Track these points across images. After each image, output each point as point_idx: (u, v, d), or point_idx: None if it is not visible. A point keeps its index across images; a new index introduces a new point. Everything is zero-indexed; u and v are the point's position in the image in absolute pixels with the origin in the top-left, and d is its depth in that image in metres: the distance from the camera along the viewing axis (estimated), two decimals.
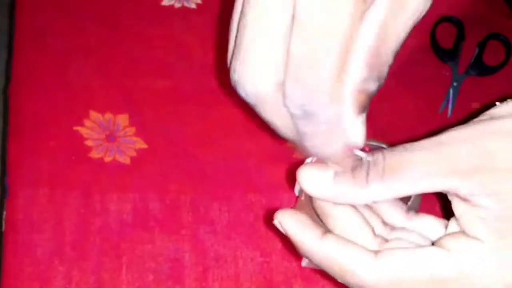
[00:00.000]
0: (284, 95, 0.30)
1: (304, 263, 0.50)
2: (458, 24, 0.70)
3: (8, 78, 0.62)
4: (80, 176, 0.57)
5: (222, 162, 0.59)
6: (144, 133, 0.60)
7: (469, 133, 0.33)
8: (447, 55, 0.68)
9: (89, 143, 0.59)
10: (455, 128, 0.33)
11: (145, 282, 0.53)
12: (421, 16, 0.32)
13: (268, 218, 0.36)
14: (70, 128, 0.59)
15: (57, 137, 0.58)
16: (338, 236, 0.35)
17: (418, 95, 0.66)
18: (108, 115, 0.61)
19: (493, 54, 0.69)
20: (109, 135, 0.60)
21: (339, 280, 0.35)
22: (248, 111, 0.33)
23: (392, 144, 0.49)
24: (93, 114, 0.60)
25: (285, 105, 0.31)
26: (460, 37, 0.69)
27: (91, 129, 0.60)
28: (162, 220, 0.56)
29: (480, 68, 0.68)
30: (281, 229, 0.36)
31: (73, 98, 0.61)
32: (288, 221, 0.36)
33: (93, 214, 0.55)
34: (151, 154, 0.59)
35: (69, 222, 0.54)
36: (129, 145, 0.59)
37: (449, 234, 0.34)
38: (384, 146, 0.49)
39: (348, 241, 0.35)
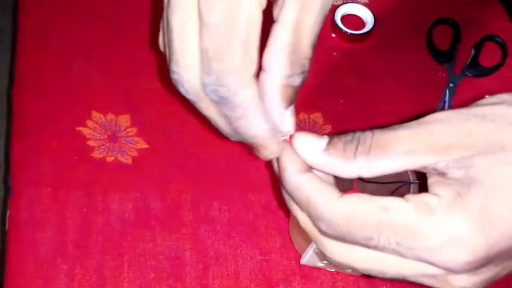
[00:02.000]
0: (203, 85, 0.34)
1: (302, 261, 0.51)
2: (454, 26, 0.70)
3: (11, 79, 0.61)
4: (83, 175, 0.57)
5: (222, 162, 0.60)
6: (145, 133, 0.60)
7: (451, 115, 0.35)
8: (443, 56, 0.69)
9: (91, 143, 0.59)
10: (440, 111, 0.35)
11: (146, 279, 0.53)
12: (329, 7, 0.35)
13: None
14: (73, 129, 0.59)
15: (60, 138, 0.59)
16: (316, 176, 0.36)
17: (415, 96, 0.66)
18: (110, 116, 0.61)
19: (489, 56, 0.69)
20: (111, 136, 0.60)
21: (303, 210, 0.36)
22: (192, 110, 0.37)
23: None
24: (95, 114, 0.61)
25: (206, 94, 0.35)
26: (457, 39, 0.70)
27: (93, 129, 0.60)
28: (163, 219, 0.56)
29: (476, 69, 0.68)
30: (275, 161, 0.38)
31: (76, 99, 0.61)
32: (286, 151, 0.37)
33: (95, 213, 0.55)
34: (152, 154, 0.59)
35: (71, 221, 0.55)
36: (130, 145, 0.60)
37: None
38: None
39: (322, 180, 0.36)
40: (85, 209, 0.56)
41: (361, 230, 0.34)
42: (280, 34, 0.35)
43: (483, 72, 0.69)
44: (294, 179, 0.36)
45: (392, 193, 0.46)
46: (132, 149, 0.59)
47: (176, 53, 0.35)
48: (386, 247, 0.34)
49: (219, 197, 0.58)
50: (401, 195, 0.40)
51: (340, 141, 0.36)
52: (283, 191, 0.37)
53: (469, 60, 0.69)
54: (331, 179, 0.38)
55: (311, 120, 0.63)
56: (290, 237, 0.57)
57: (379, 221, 0.34)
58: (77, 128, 0.60)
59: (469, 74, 0.68)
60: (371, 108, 0.65)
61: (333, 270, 0.54)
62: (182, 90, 0.35)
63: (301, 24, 0.35)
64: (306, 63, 0.36)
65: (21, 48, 0.63)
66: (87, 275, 0.53)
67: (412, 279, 0.35)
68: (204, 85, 0.34)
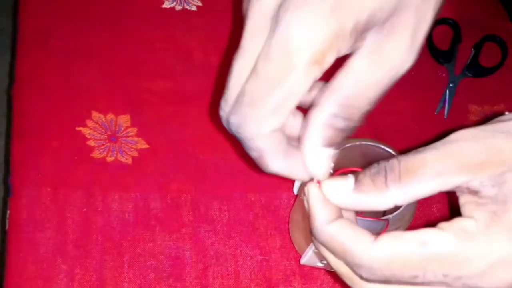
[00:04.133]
0: (228, 123, 0.37)
1: (302, 260, 0.51)
2: (454, 26, 0.70)
3: (11, 80, 0.61)
4: (83, 175, 0.57)
5: (222, 162, 0.60)
6: (145, 133, 0.60)
7: (476, 132, 0.35)
8: (443, 56, 0.69)
9: (91, 143, 0.59)
10: (463, 129, 0.35)
11: (146, 279, 0.53)
12: (399, 74, 0.36)
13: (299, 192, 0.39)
14: (73, 129, 0.59)
15: (60, 138, 0.59)
16: (347, 221, 0.36)
17: (415, 96, 0.66)
18: (110, 116, 0.61)
19: (489, 56, 0.69)
20: (111, 136, 0.60)
21: (339, 258, 0.36)
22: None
23: (392, 145, 0.50)
24: (95, 114, 0.61)
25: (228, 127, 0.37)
26: (457, 38, 0.70)
27: (93, 129, 0.60)
28: (163, 219, 0.56)
29: (476, 69, 0.68)
30: (305, 201, 0.38)
31: (76, 99, 0.61)
32: (314, 197, 0.37)
33: (95, 213, 0.55)
34: (152, 154, 0.59)
35: (71, 221, 0.55)
36: (130, 145, 0.60)
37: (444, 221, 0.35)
38: (382, 146, 0.50)
39: (353, 224, 0.36)
40: (85, 209, 0.55)
41: (405, 271, 0.34)
42: (342, 82, 0.36)
43: (483, 72, 0.68)
44: (326, 229, 0.36)
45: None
46: (132, 149, 0.59)
47: (226, 92, 0.37)
48: (433, 281, 0.34)
49: (219, 197, 0.58)
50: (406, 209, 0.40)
51: (366, 176, 0.36)
52: (314, 241, 0.38)
53: (469, 60, 0.69)
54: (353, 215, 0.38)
55: None
56: (290, 237, 0.57)
57: (422, 257, 0.33)
58: (77, 128, 0.60)
59: (469, 74, 0.68)
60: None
61: (333, 270, 0.54)
62: (224, 124, 0.38)
63: (367, 76, 0.35)
64: (355, 113, 0.36)
65: (21, 48, 0.63)
66: (87, 275, 0.53)
67: None
68: (228, 123, 0.37)
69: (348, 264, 0.36)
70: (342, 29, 0.34)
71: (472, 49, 0.69)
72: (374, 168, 0.36)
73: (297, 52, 0.34)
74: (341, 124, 0.36)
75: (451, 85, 0.67)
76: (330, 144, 0.36)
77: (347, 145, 0.49)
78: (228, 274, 0.54)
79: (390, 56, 0.35)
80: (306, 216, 0.40)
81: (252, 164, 0.39)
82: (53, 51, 0.63)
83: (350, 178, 0.36)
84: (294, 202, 0.57)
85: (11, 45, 0.61)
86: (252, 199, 0.58)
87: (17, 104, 0.60)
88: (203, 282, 0.54)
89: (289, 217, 0.57)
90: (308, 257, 0.49)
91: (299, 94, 0.35)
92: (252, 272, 0.55)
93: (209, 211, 0.57)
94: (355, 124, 0.36)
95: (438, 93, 0.67)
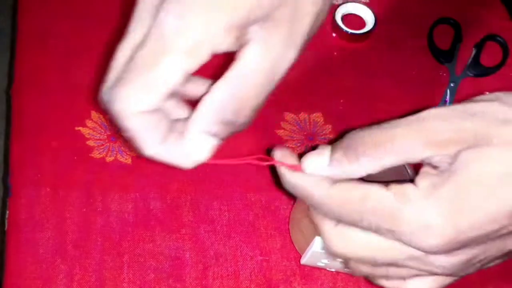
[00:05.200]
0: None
1: (303, 260, 0.51)
2: (455, 25, 0.70)
3: (10, 79, 0.61)
4: (82, 175, 0.57)
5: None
6: None
7: (446, 112, 0.38)
8: (444, 56, 0.69)
9: (90, 143, 0.59)
10: (435, 107, 0.39)
11: (146, 280, 0.53)
12: (284, 67, 0.38)
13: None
14: (72, 129, 0.59)
15: (59, 137, 0.59)
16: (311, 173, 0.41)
17: (416, 96, 0.66)
18: (109, 116, 0.60)
19: (490, 55, 0.69)
20: (111, 135, 0.60)
21: (307, 201, 0.41)
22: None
23: None
24: (95, 114, 0.61)
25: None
26: (458, 38, 0.70)
27: (93, 129, 0.60)
28: (163, 219, 0.56)
29: (477, 69, 0.68)
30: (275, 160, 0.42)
31: (75, 99, 0.61)
32: (278, 154, 0.42)
33: (94, 213, 0.55)
34: None
35: (71, 221, 0.55)
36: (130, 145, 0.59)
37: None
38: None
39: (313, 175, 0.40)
40: (84, 209, 0.55)
41: (349, 215, 0.38)
42: (232, 73, 0.38)
43: (484, 71, 0.68)
44: (294, 179, 0.41)
45: None
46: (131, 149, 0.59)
47: (107, 74, 0.39)
48: (369, 228, 0.38)
49: (219, 197, 0.58)
50: None
51: (338, 150, 0.39)
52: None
53: (470, 60, 0.69)
54: None
55: (311, 120, 0.63)
56: (290, 237, 0.56)
57: (359, 208, 0.38)
58: (77, 128, 0.59)
59: (470, 74, 0.68)
60: (371, 108, 0.65)
61: (333, 270, 0.54)
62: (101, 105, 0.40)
63: (250, 65, 0.38)
64: (244, 107, 0.38)
65: (20, 47, 0.63)
66: (86, 275, 0.53)
67: (400, 263, 0.39)
68: (103, 102, 0.39)
69: (312, 205, 0.40)
70: (215, 25, 0.36)
71: (473, 48, 0.69)
72: (346, 141, 0.39)
73: (171, 41, 0.36)
74: (229, 115, 0.38)
75: (452, 84, 0.67)
76: (214, 134, 0.39)
77: None
78: (228, 275, 0.54)
79: (273, 48, 0.38)
80: (307, 216, 0.41)
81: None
82: (52, 50, 0.63)
83: (326, 152, 0.40)
84: (294, 202, 0.57)
85: (10, 44, 0.61)
86: (252, 199, 0.58)
87: (16, 104, 0.60)
88: (203, 282, 0.54)
89: (289, 217, 0.57)
90: (309, 257, 0.49)
91: (171, 80, 0.37)
92: (252, 273, 0.54)
93: (209, 211, 0.57)
94: (244, 120, 0.39)
95: (439, 92, 0.67)
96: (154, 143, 0.39)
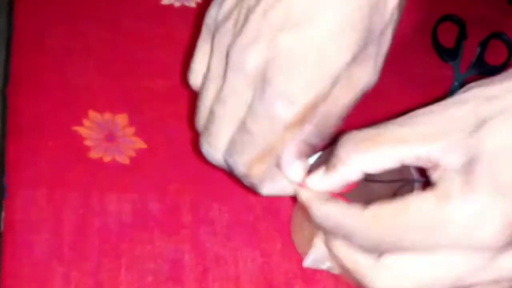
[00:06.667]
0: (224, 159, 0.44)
1: (305, 263, 0.50)
2: (459, 23, 0.70)
3: (6, 78, 0.62)
4: (79, 176, 0.57)
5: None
6: (143, 133, 0.60)
7: (432, 107, 0.39)
8: (448, 54, 0.68)
9: (88, 143, 0.59)
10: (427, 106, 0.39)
11: (145, 283, 0.53)
12: (366, 91, 0.42)
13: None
14: (69, 128, 0.59)
15: (56, 137, 0.58)
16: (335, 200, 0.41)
17: (419, 95, 0.65)
18: (107, 115, 0.60)
19: (495, 54, 0.69)
20: (108, 135, 0.59)
21: (338, 236, 0.40)
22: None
23: None
24: (92, 114, 0.60)
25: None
26: (462, 36, 0.69)
27: (90, 129, 0.59)
28: (161, 221, 0.56)
29: (481, 67, 0.68)
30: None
31: (72, 98, 0.61)
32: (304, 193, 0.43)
33: (92, 214, 0.55)
34: (150, 154, 0.59)
35: (68, 222, 0.54)
36: (128, 145, 0.59)
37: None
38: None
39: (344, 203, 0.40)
40: (81, 211, 0.55)
41: (390, 235, 0.37)
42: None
43: (489, 70, 0.68)
44: (321, 210, 0.41)
45: (396, 191, 0.46)
46: (129, 149, 0.59)
47: (212, 136, 0.44)
48: (414, 246, 0.36)
49: (219, 198, 0.57)
50: (405, 193, 0.41)
51: (334, 155, 0.40)
52: (319, 232, 0.45)
53: (474, 58, 0.69)
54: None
55: None
56: (292, 239, 0.56)
57: (401, 221, 0.36)
58: (74, 128, 0.59)
59: (475, 72, 0.68)
60: (374, 107, 0.64)
61: (336, 272, 0.54)
62: (210, 159, 0.46)
63: (338, 100, 0.41)
64: (327, 131, 0.42)
65: (16, 46, 0.63)
66: (83, 278, 0.52)
67: (463, 281, 0.36)
68: (224, 159, 0.44)
69: (345, 237, 0.39)
70: (323, 89, 0.40)
71: (478, 46, 0.69)
72: (338, 145, 0.40)
73: (278, 121, 0.40)
74: (315, 140, 0.42)
75: (456, 83, 0.67)
76: (303, 156, 0.42)
77: None
78: (228, 277, 0.54)
79: (359, 81, 0.41)
80: (308, 217, 0.42)
81: None
82: (49, 49, 0.63)
83: (319, 171, 0.41)
84: (295, 203, 0.57)
85: (6, 43, 0.61)
86: (253, 200, 0.57)
87: (12, 103, 0.60)
88: (203, 285, 0.53)
89: (290, 219, 0.57)
90: (312, 259, 0.49)
91: (280, 148, 0.41)
92: (253, 275, 0.54)
93: (208, 213, 0.56)
94: (325, 138, 0.42)
95: (443, 91, 0.66)
96: (268, 184, 0.44)
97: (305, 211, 0.42)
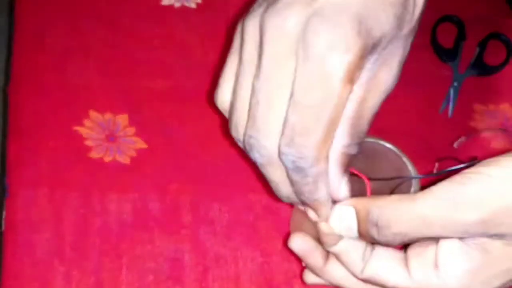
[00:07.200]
0: (280, 152, 0.37)
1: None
2: (458, 23, 0.70)
3: (7, 78, 0.62)
4: (80, 176, 0.57)
5: (222, 162, 0.59)
6: (144, 133, 0.60)
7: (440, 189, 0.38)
8: (447, 54, 0.68)
9: (89, 143, 0.59)
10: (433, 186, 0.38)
11: (145, 282, 0.53)
12: (388, 95, 0.40)
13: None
14: (70, 128, 0.59)
15: (57, 137, 0.58)
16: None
17: (418, 95, 0.65)
18: (108, 115, 0.60)
19: (494, 54, 0.69)
20: (109, 135, 0.59)
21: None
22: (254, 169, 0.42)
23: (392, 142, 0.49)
24: (93, 114, 0.60)
25: (280, 159, 0.38)
26: (461, 36, 0.69)
27: (91, 129, 0.59)
28: (162, 220, 0.55)
29: (480, 67, 0.68)
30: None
31: (73, 98, 0.60)
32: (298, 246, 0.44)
33: (93, 214, 0.55)
34: (151, 154, 0.59)
35: (68, 222, 0.54)
36: (129, 145, 0.59)
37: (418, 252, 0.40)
38: (381, 142, 0.50)
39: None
40: (82, 210, 0.55)
41: None
42: (345, 113, 0.38)
43: (488, 70, 0.68)
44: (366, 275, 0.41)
45: (394, 189, 0.47)
46: (130, 149, 0.59)
47: (258, 120, 0.37)
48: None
49: (219, 198, 0.57)
50: (403, 190, 0.44)
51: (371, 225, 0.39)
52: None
53: (473, 58, 0.68)
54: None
55: None
56: None
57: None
58: (75, 128, 0.59)
59: (474, 73, 0.67)
60: None
61: None
62: (256, 154, 0.39)
63: (366, 102, 0.39)
64: (362, 137, 0.40)
65: (17, 46, 0.63)
66: (84, 277, 0.52)
67: None
68: (280, 153, 0.37)
69: None
70: (366, 46, 0.36)
71: (477, 47, 0.69)
72: (375, 216, 0.39)
73: (335, 75, 0.35)
74: (353, 150, 0.39)
75: (455, 83, 0.66)
76: (347, 168, 0.40)
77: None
78: (228, 277, 0.54)
79: (384, 82, 0.39)
80: (307, 217, 0.42)
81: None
82: (50, 48, 0.63)
83: (351, 214, 0.40)
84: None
85: (7, 42, 0.61)
86: (253, 200, 0.57)
87: (13, 103, 0.60)
88: (203, 284, 0.53)
89: (290, 218, 0.57)
90: None
91: (342, 111, 0.37)
92: (253, 275, 0.54)
93: (208, 212, 0.56)
94: (360, 146, 0.40)
95: (442, 91, 0.66)
96: (326, 187, 0.40)
97: (305, 212, 0.42)
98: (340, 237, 0.40)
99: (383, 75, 0.39)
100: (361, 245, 0.41)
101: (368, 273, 0.41)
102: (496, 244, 0.37)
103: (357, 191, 0.41)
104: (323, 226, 0.40)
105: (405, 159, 0.48)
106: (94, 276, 0.52)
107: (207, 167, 0.59)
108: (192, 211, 0.56)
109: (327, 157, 0.38)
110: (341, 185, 0.39)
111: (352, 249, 0.41)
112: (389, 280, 0.40)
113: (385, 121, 0.62)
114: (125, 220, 0.55)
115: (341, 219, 0.40)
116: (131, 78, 0.63)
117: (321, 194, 0.39)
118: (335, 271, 0.43)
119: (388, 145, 0.49)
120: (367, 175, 0.42)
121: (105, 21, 0.66)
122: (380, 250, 0.41)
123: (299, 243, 0.43)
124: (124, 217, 0.55)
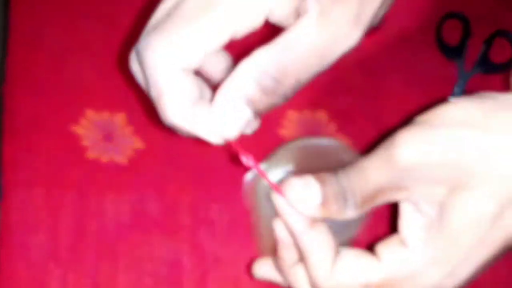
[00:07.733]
0: None
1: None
2: (464, 20, 0.69)
3: (2, 77, 0.62)
4: (76, 176, 0.56)
5: (222, 162, 0.58)
6: (141, 132, 0.59)
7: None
8: (453, 52, 0.68)
9: (85, 143, 0.58)
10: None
11: (143, 285, 0.53)
12: (341, 49, 0.37)
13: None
14: (66, 128, 0.58)
15: (53, 137, 0.58)
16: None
17: (423, 93, 0.65)
18: (105, 114, 0.60)
19: (500, 52, 0.68)
20: (106, 135, 0.59)
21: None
22: None
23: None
24: (90, 113, 0.60)
25: None
26: (467, 34, 0.69)
27: (88, 128, 0.59)
28: (160, 222, 0.55)
29: (486, 65, 0.67)
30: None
31: (69, 97, 0.60)
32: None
33: (89, 215, 0.55)
34: (149, 154, 0.58)
35: (65, 223, 0.54)
36: (126, 145, 0.59)
37: (384, 242, 0.39)
38: (334, 141, 0.49)
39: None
40: (78, 211, 0.55)
41: None
42: (281, 39, 0.35)
43: (493, 68, 0.67)
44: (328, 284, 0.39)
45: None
46: (127, 149, 0.58)
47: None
48: None
49: (218, 199, 0.57)
50: None
51: (330, 195, 0.37)
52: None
53: (479, 56, 0.68)
54: None
55: (315, 118, 0.62)
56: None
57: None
58: (71, 127, 0.59)
59: (480, 70, 0.67)
60: (377, 105, 0.64)
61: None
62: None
63: (308, 40, 0.35)
64: (287, 78, 0.35)
65: (13, 44, 0.62)
66: (81, 280, 0.52)
67: None
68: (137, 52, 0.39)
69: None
70: None
71: (483, 44, 0.68)
72: (335, 187, 0.37)
73: None
74: (269, 84, 0.34)
75: (460, 81, 0.66)
76: (249, 103, 0.35)
77: (301, 145, 0.50)
78: (228, 280, 0.54)
79: (335, 22, 0.35)
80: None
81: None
82: (46, 47, 0.62)
83: (316, 190, 0.37)
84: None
85: (2, 41, 0.60)
86: None
87: (9, 102, 0.59)
88: (202, 287, 0.53)
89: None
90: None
91: (215, 40, 0.33)
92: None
93: (208, 214, 0.56)
94: (285, 91, 0.35)
95: (448, 89, 0.66)
96: (181, 107, 0.35)
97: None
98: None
99: (335, 14, 0.35)
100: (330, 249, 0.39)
101: (336, 275, 0.39)
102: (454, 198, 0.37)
103: None
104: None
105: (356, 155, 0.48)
106: (91, 278, 0.52)
107: (206, 168, 0.58)
108: (191, 212, 0.56)
109: (181, 78, 0.35)
110: (232, 117, 0.35)
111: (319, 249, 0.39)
112: (358, 277, 0.39)
113: (389, 119, 0.62)
114: (123, 222, 0.55)
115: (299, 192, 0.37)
116: (128, 76, 0.63)
117: (176, 118, 0.37)
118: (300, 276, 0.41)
119: (340, 144, 0.49)
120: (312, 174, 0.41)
121: (102, 19, 0.65)
122: (346, 250, 0.40)
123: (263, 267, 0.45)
124: (122, 219, 0.55)
